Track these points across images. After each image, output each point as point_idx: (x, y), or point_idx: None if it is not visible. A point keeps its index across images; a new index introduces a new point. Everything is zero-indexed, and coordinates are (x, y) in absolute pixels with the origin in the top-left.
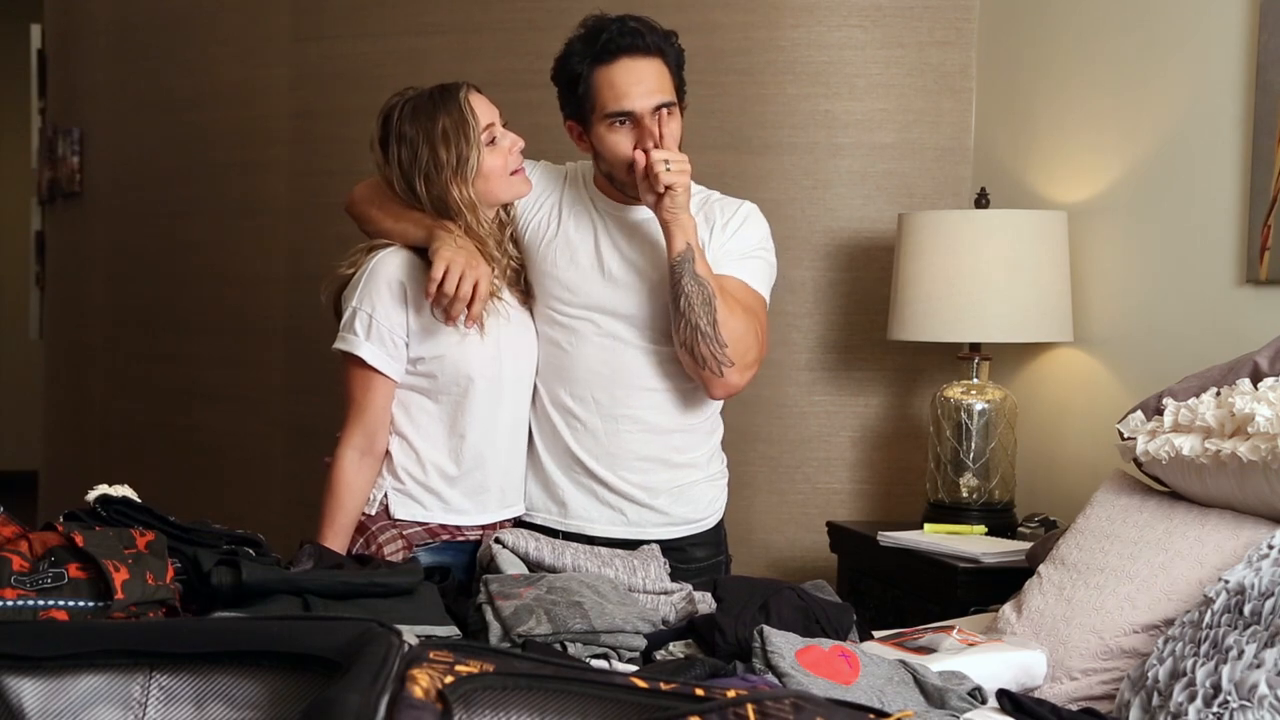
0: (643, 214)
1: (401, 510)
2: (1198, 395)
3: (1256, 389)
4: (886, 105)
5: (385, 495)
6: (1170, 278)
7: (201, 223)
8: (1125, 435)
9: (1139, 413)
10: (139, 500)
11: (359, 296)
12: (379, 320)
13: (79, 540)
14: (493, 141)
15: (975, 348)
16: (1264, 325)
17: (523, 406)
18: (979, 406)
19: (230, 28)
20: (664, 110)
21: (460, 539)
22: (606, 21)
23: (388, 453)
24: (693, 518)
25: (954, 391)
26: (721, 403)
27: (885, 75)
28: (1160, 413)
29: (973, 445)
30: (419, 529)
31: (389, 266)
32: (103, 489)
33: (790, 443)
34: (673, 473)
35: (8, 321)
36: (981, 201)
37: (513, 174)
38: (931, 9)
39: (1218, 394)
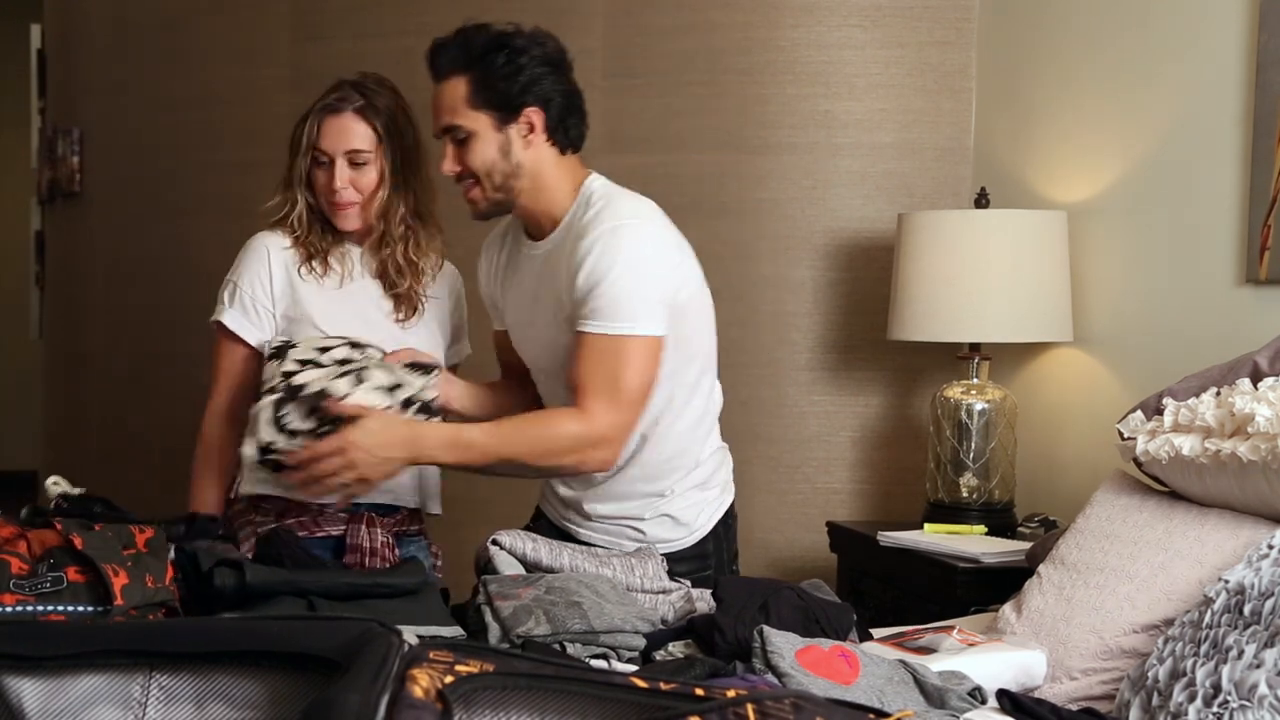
0: (534, 251)
1: (247, 485)
2: (1198, 395)
3: (1256, 389)
4: (886, 105)
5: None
6: (1170, 278)
7: (201, 223)
8: (1125, 435)
9: (1139, 413)
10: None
11: (231, 269)
12: (243, 289)
13: (78, 543)
14: (320, 165)
15: (975, 348)
16: (1264, 325)
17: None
18: (979, 406)
19: (230, 28)
20: (454, 135)
21: (320, 534)
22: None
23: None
24: (665, 537)
25: (954, 391)
26: (704, 441)
27: (885, 75)
28: (1160, 413)
29: (973, 445)
30: (270, 521)
31: (260, 240)
32: (64, 486)
33: (790, 443)
34: (639, 502)
35: (8, 321)
36: (981, 201)
37: (329, 203)
38: (931, 9)
39: (1218, 394)
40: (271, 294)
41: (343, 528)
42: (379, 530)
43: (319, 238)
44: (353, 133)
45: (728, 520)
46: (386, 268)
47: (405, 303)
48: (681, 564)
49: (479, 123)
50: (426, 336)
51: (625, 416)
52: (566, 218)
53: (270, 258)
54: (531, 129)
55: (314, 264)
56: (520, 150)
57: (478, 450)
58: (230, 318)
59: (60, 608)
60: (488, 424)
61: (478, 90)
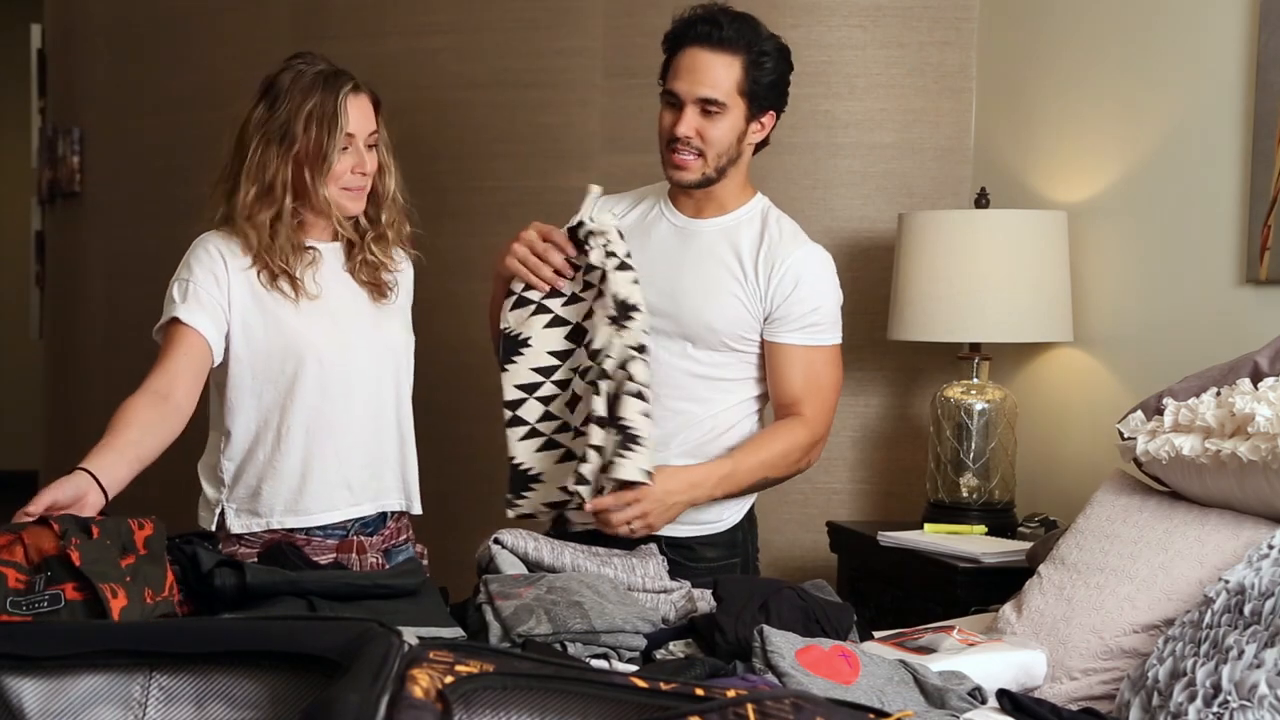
0: (702, 227)
1: (237, 524)
2: (1198, 395)
3: (1256, 389)
4: (886, 105)
5: (221, 512)
6: (1170, 278)
7: (201, 224)
8: (1125, 435)
9: (1139, 413)
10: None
11: (178, 271)
12: (196, 282)
13: (75, 559)
14: (345, 150)
15: (975, 348)
16: (1264, 325)
17: (385, 404)
18: (979, 406)
19: (230, 28)
20: (707, 106)
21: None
22: (697, 10)
23: (220, 466)
24: (702, 519)
25: (954, 391)
26: (755, 421)
27: (885, 75)
28: (1160, 413)
29: (973, 445)
30: (255, 554)
31: (208, 242)
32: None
33: None
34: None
35: (8, 321)
36: (981, 201)
37: (344, 189)
38: (931, 9)
39: (1218, 394)
40: (228, 297)
41: (333, 555)
42: (369, 554)
43: (282, 253)
44: (368, 113)
45: (752, 515)
46: (371, 254)
47: (378, 292)
48: (714, 548)
49: (737, 106)
50: (399, 325)
51: (833, 415)
52: (741, 212)
53: (227, 264)
54: (761, 129)
55: (282, 285)
56: (746, 143)
57: (738, 479)
58: (185, 312)
59: None
60: (737, 454)
61: (749, 79)
